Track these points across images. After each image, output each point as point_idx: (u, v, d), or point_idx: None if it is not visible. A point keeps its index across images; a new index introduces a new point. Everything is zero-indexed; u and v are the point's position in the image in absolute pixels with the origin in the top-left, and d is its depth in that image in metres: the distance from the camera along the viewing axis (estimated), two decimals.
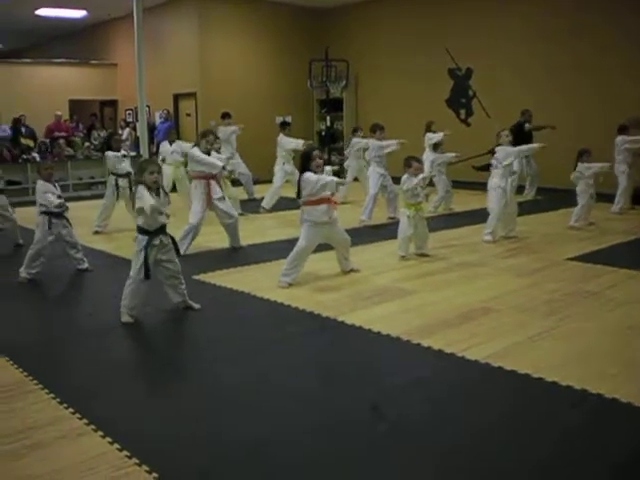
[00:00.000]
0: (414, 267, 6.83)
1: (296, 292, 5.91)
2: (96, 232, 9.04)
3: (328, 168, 6.39)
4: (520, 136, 10.49)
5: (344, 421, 3.41)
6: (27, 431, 3.36)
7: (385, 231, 8.56)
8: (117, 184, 8.99)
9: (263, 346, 4.62)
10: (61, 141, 15.00)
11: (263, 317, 5.33)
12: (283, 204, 10.53)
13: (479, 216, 8.69)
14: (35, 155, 14.16)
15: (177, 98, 16.46)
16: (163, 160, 10.56)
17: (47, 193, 6.44)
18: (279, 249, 7.07)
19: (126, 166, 9.04)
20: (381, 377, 4.03)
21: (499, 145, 7.98)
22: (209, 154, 7.54)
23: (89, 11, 16.03)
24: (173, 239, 5.29)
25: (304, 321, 5.16)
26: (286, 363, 4.31)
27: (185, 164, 9.73)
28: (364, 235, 8.33)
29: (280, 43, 16.36)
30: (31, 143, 14.65)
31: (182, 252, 6.54)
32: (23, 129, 14.90)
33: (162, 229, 5.14)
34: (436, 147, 10.45)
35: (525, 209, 9.50)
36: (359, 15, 16.29)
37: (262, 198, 10.97)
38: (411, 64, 15.24)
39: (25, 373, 4.14)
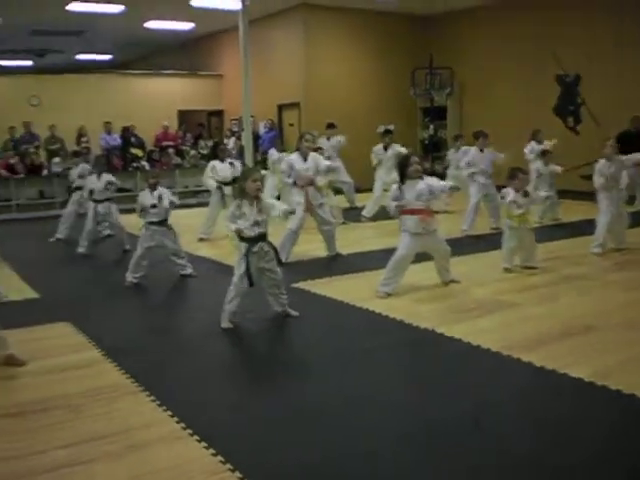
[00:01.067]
0: (517, 279, 6.64)
1: (394, 302, 5.85)
2: (201, 239, 9.25)
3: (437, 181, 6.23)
4: (630, 144, 10.06)
5: (437, 434, 3.34)
6: (127, 432, 3.45)
7: (487, 241, 8.38)
8: (222, 192, 9.19)
9: (358, 356, 4.58)
10: (170, 150, 15.49)
11: (360, 327, 5.30)
12: (384, 213, 10.46)
13: (587, 227, 8.37)
14: (144, 164, 14.68)
15: (281, 108, 16.70)
16: (268, 168, 10.67)
17: (141, 203, 6.72)
18: (379, 258, 7.00)
19: (231, 175, 9.20)
20: (478, 392, 3.92)
21: (604, 158, 7.62)
22: (306, 158, 7.64)
23: (197, 24, 16.48)
24: (274, 248, 5.34)
25: (401, 332, 5.10)
26: (381, 374, 4.26)
27: None
28: (465, 245, 8.17)
29: (384, 51, 16.32)
30: (140, 152, 15.19)
31: (283, 260, 6.62)
32: (133, 139, 15.46)
33: (262, 237, 5.20)
34: (544, 155, 10.11)
35: (636, 220, 9.09)
36: (464, 22, 16.06)
37: (363, 207, 10.96)
38: (517, 70, 14.90)
39: (127, 375, 4.26)
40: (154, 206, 6.69)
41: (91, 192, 8.54)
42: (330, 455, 3.16)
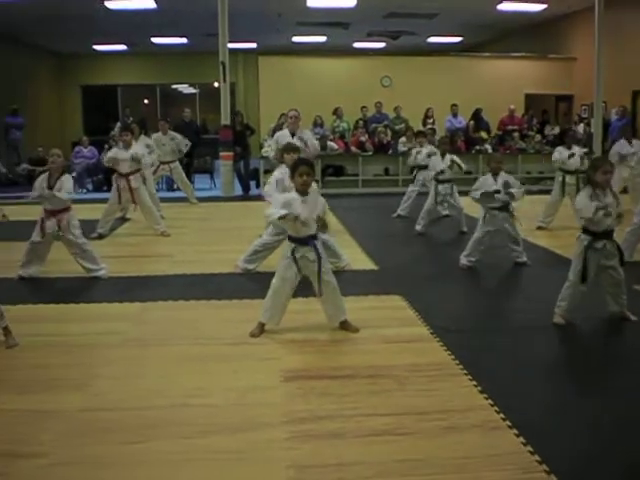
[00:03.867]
0: None
1: None
2: (539, 227, 8.98)
3: None
4: None
5: None
6: (445, 413, 3.51)
7: None
8: (564, 181, 8.84)
9: None
10: (515, 134, 15.26)
11: None
12: None
13: None
14: (487, 147, 14.66)
15: (636, 95, 15.47)
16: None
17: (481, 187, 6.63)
18: None
19: (575, 163, 8.79)
20: None
21: None
22: None
23: (549, 4, 15.86)
24: (618, 245, 5.00)
25: None
26: None
27: None
28: None
29: None
30: (485, 135, 15.19)
31: (627, 258, 6.18)
32: (479, 122, 15.50)
33: (608, 233, 4.89)
34: None
35: None
36: None
37: None
38: None
39: (452, 356, 4.32)
40: (497, 192, 6.61)
41: (439, 172, 8.67)
42: None
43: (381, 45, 21.43)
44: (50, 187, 6.20)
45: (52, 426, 3.42)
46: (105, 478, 2.99)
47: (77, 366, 4.27)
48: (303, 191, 4.64)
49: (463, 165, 9.01)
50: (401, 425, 3.38)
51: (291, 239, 4.70)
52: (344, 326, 4.82)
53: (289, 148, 6.26)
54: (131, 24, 16.81)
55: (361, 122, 15.21)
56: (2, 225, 9.40)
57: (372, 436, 3.28)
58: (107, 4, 14.48)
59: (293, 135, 8.05)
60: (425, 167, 9.53)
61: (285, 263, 4.70)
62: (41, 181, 6.25)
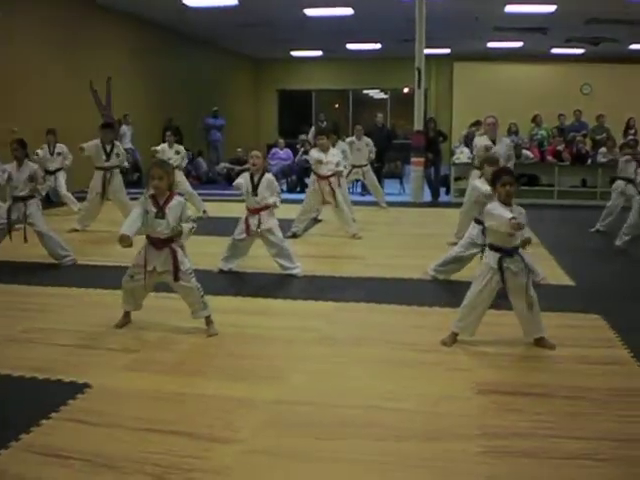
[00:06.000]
0: None
1: None
2: None
3: None
4: None
5: None
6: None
7: None
8: None
9: None
10: None
11: None
12: None
13: None
14: None
15: None
16: None
17: None
18: None
19: None
20: None
21: None
22: None
23: None
24: None
25: None
26: None
27: None
28: None
29: None
30: None
31: None
32: None
33: None
34: None
35: None
36: None
37: None
38: None
39: None
40: None
41: None
42: None
43: (580, 51, 20.55)
44: (254, 187, 6.49)
45: (249, 414, 3.60)
46: (299, 471, 3.08)
47: (274, 358, 4.47)
48: (507, 202, 4.54)
49: None
50: (599, 450, 3.23)
51: (495, 249, 4.58)
52: (540, 343, 4.65)
53: (490, 160, 6.16)
54: (328, 30, 17.25)
55: (555, 130, 14.68)
56: (203, 221, 10.12)
57: (568, 459, 3.15)
58: (306, 11, 14.96)
59: (492, 142, 7.92)
60: (631, 180, 9.04)
61: (487, 273, 4.58)
62: (246, 181, 6.54)
